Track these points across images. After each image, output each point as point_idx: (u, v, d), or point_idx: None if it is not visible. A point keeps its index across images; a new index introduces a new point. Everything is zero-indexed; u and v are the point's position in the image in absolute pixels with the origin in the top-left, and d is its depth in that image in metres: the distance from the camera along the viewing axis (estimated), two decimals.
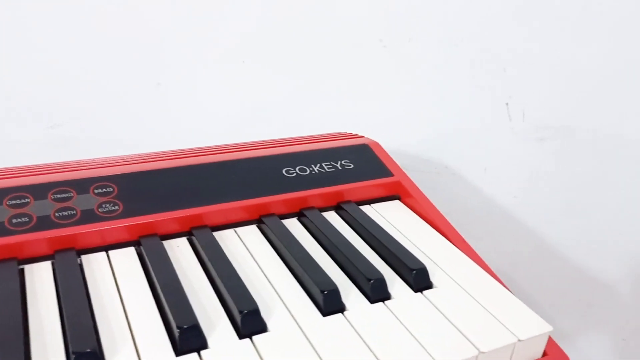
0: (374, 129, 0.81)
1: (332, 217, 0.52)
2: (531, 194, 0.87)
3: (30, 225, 0.43)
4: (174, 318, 0.36)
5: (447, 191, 0.86)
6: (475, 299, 0.41)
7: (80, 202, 0.45)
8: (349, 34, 0.75)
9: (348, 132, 0.68)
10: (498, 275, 0.46)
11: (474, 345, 0.37)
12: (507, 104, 0.81)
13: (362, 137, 0.62)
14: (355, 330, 0.38)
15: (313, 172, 0.54)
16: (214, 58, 0.73)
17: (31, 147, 0.72)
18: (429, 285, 0.43)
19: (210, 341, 0.36)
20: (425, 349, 0.36)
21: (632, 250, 0.91)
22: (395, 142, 0.82)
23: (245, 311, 0.37)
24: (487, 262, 0.47)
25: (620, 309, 0.95)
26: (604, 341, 0.98)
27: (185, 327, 0.35)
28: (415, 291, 0.42)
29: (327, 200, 0.52)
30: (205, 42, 0.72)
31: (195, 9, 0.70)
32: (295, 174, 0.53)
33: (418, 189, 0.55)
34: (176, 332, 0.35)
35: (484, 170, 0.85)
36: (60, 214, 0.44)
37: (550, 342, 0.41)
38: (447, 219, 0.52)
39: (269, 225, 0.48)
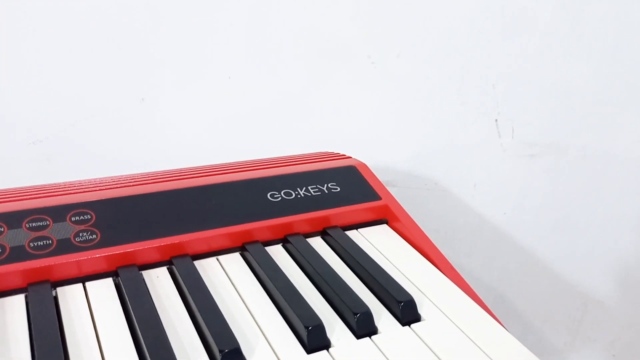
0: (363, 145, 0.79)
1: (317, 243, 0.50)
2: (521, 211, 0.87)
3: (3, 256, 0.41)
4: (151, 357, 0.35)
5: (437, 208, 0.85)
6: (464, 333, 0.40)
7: (57, 230, 0.44)
8: (337, 50, 0.74)
9: (337, 149, 0.67)
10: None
11: None
12: (496, 120, 0.80)
13: (349, 157, 0.61)
14: None
15: (299, 196, 0.52)
16: (199, 73, 0.72)
17: (12, 163, 0.71)
18: (417, 318, 0.42)
19: None
20: None
21: (622, 267, 0.90)
22: (385, 158, 0.81)
23: (226, 350, 0.35)
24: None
25: (610, 325, 0.95)
26: (594, 357, 0.97)
27: None
28: (403, 325, 0.41)
29: (313, 226, 0.51)
30: (191, 58, 0.71)
31: (181, 25, 0.69)
32: (280, 198, 0.52)
33: (406, 212, 0.54)
34: None
35: (474, 186, 0.85)
36: (35, 243, 0.42)
37: None
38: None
39: (252, 253, 0.46)
